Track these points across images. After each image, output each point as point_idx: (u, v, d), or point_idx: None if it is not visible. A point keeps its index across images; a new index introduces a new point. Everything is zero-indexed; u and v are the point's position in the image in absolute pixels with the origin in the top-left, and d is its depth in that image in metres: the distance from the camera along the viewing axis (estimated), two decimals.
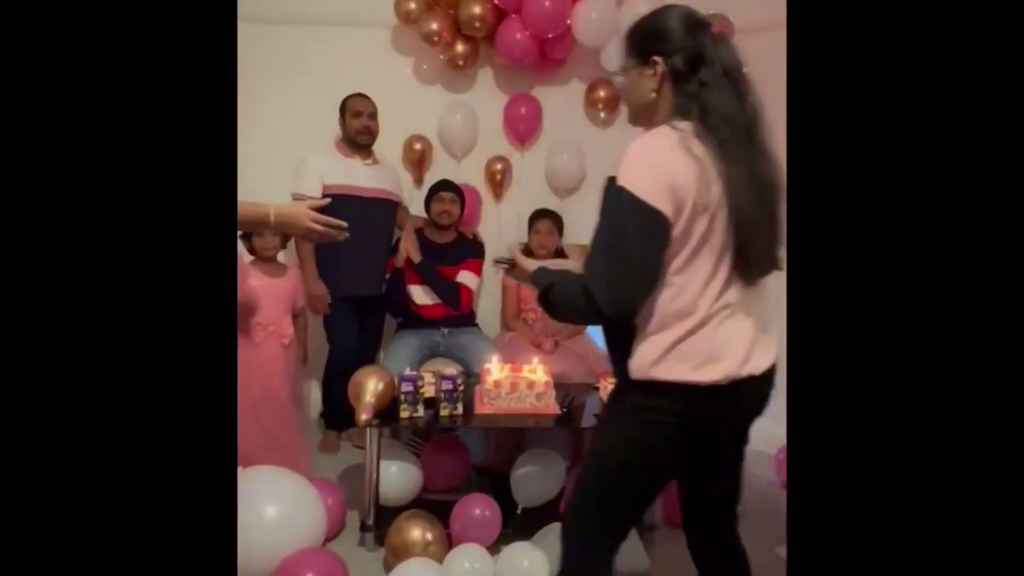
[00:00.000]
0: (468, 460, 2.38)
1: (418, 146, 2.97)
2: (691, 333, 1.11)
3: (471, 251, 2.79)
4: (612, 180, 1.10)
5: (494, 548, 1.92)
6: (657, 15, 1.17)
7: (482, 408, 2.11)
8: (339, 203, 2.49)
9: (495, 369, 2.17)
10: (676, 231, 1.08)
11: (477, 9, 2.71)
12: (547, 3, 2.62)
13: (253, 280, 2.28)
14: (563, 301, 1.18)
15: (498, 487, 2.23)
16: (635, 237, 1.06)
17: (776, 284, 1.13)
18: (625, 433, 1.19)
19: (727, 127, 1.09)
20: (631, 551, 1.94)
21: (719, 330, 1.12)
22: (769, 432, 2.79)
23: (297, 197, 2.49)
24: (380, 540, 1.98)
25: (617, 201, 1.08)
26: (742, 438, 1.30)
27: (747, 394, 1.17)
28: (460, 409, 2.08)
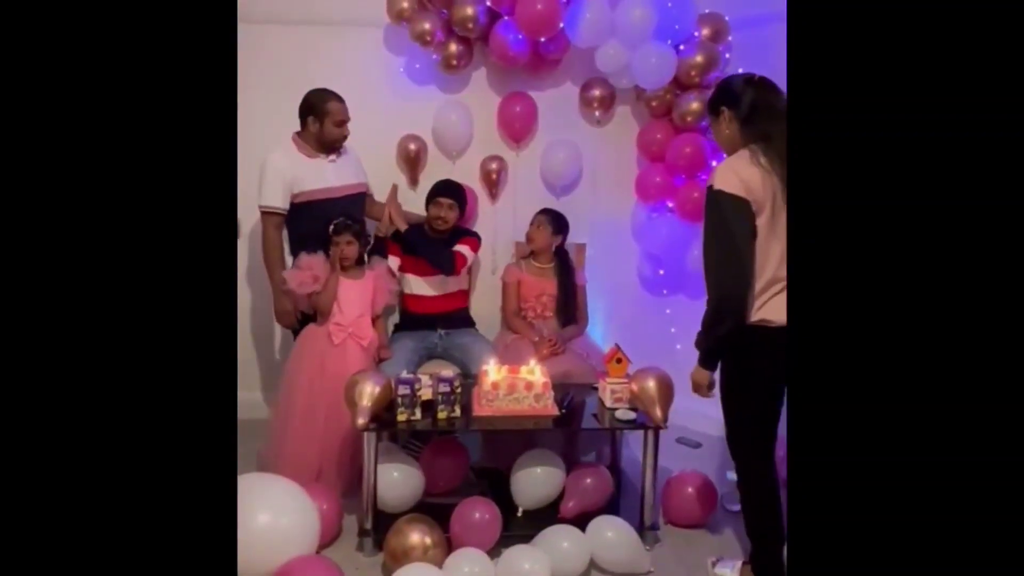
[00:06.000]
0: (467, 462, 2.36)
1: (412, 146, 2.95)
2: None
3: (468, 233, 2.77)
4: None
5: (494, 550, 1.90)
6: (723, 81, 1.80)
7: (480, 410, 2.09)
8: (309, 209, 2.45)
9: (493, 370, 2.16)
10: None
11: (469, 10, 2.69)
12: (539, 6, 2.61)
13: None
14: (707, 329, 1.63)
15: (498, 488, 2.21)
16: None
17: None
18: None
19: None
20: (632, 551, 1.93)
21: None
22: None
23: (265, 210, 2.43)
24: (379, 545, 1.96)
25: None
26: None
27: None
28: (458, 411, 2.07)
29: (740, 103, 1.67)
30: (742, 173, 1.59)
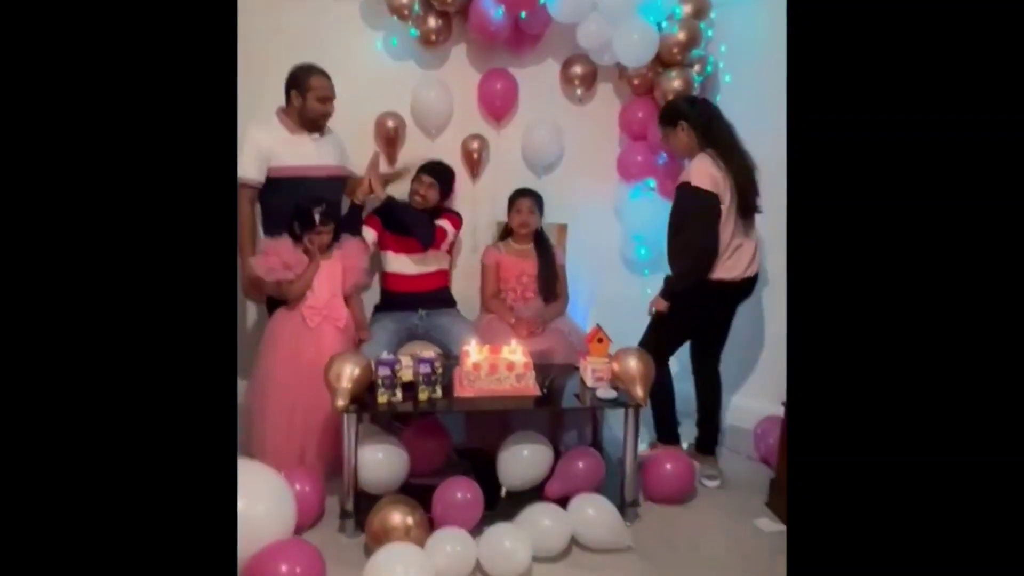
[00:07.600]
0: (448, 443, 2.36)
1: (391, 123, 2.90)
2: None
3: (449, 211, 2.77)
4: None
5: (476, 530, 1.91)
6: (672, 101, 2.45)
7: (462, 391, 2.08)
8: (288, 186, 2.40)
9: (474, 351, 2.15)
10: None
11: None
12: None
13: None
14: (683, 277, 2.26)
15: (481, 469, 2.22)
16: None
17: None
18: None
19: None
20: (612, 528, 1.95)
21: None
22: (748, 409, 2.81)
23: (239, 182, 2.37)
24: (360, 526, 1.96)
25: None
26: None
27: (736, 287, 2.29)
28: (439, 392, 2.06)
29: (693, 117, 2.25)
30: (712, 173, 2.17)
